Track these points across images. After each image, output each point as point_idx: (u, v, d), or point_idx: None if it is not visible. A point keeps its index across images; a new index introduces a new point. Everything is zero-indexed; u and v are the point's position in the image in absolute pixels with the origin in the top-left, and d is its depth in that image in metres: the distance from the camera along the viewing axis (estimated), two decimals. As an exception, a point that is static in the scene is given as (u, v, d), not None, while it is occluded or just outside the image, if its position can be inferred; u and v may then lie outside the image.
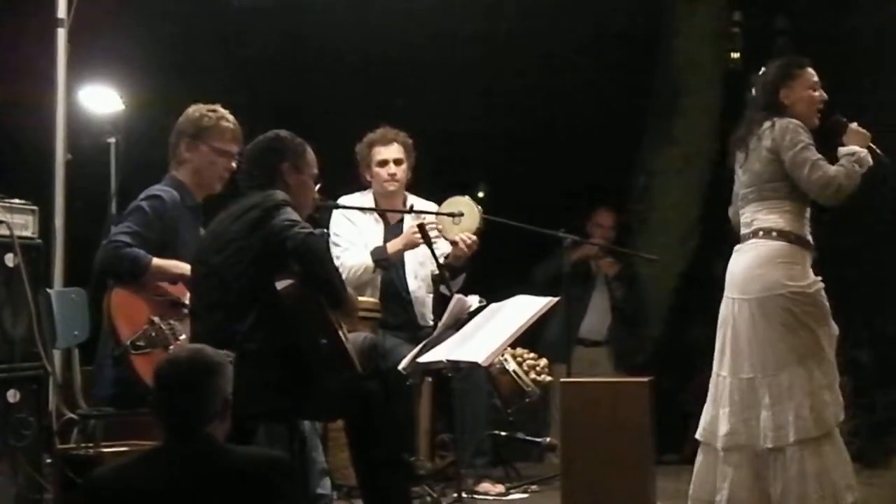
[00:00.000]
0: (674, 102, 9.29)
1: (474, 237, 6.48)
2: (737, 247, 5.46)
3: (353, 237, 6.59)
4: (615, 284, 8.30)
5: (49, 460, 5.43)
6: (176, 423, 3.90)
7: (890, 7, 8.31)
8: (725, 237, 9.79)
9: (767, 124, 5.38)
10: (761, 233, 5.37)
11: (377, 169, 6.65)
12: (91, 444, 5.51)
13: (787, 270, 5.29)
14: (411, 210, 6.61)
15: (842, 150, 5.41)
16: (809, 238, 5.38)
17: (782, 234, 5.33)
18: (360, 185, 6.76)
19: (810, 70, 5.49)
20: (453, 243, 6.47)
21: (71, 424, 5.66)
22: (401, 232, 6.65)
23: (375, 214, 6.69)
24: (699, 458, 5.45)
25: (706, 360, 9.68)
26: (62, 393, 5.76)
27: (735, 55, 9.75)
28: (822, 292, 5.33)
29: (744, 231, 5.45)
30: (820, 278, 5.34)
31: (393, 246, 6.53)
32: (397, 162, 6.63)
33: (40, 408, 5.45)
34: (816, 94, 5.47)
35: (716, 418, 5.37)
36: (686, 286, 9.46)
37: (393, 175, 6.62)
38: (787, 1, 9.70)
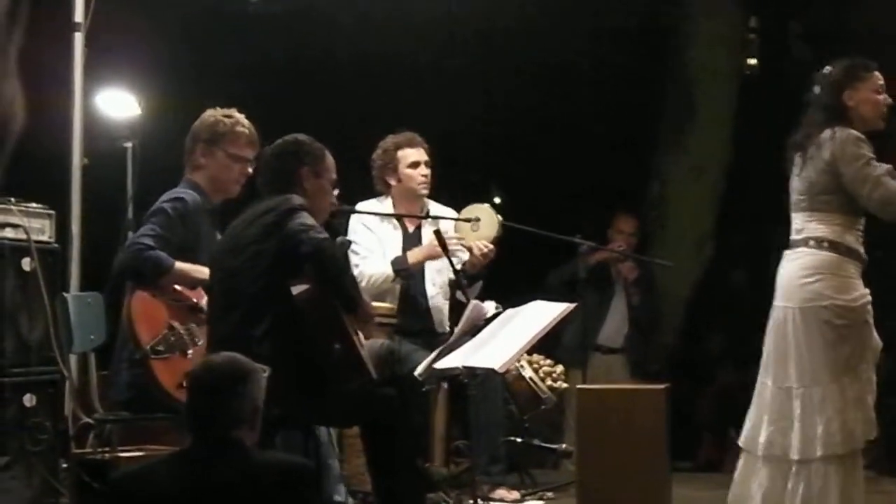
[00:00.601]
0: (688, 109, 9.27)
1: (490, 245, 6.45)
2: (785, 253, 5.35)
3: (371, 245, 6.54)
4: (633, 290, 8.27)
5: (65, 465, 5.44)
6: (205, 426, 3.94)
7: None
8: (741, 246, 9.84)
9: (828, 133, 5.25)
10: (812, 242, 5.25)
11: (409, 171, 6.58)
12: (107, 449, 5.50)
13: (832, 282, 5.20)
14: (428, 215, 6.58)
15: None
16: (860, 250, 5.28)
17: (833, 246, 5.22)
18: (373, 193, 6.71)
19: (877, 73, 5.36)
20: (469, 250, 6.44)
21: (87, 429, 5.66)
22: (419, 238, 6.62)
23: (394, 221, 6.65)
24: (740, 463, 5.40)
25: (721, 368, 9.73)
26: (78, 397, 5.76)
27: (751, 61, 9.74)
28: (869, 307, 5.24)
29: (793, 237, 5.33)
30: (868, 292, 5.25)
31: (414, 256, 6.48)
32: (427, 164, 6.61)
33: (56, 412, 5.47)
34: (882, 97, 5.35)
35: (757, 426, 5.32)
36: (701, 295, 9.45)
37: (426, 176, 6.59)
38: (803, 6, 9.68)
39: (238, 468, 3.90)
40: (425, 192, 6.61)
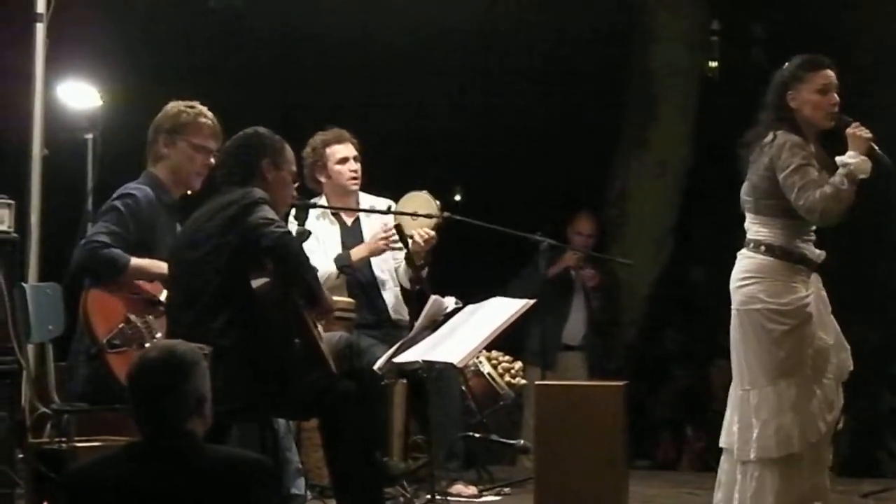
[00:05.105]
0: (650, 109, 9.33)
1: (432, 232, 6.44)
2: (738, 253, 5.34)
3: (310, 245, 6.51)
4: (595, 295, 8.27)
5: (21, 455, 5.41)
6: (152, 424, 3.86)
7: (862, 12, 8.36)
8: (700, 245, 9.90)
9: (769, 137, 5.18)
10: (752, 245, 5.23)
11: (337, 167, 6.56)
12: (64, 440, 5.48)
13: (766, 286, 5.17)
14: (388, 210, 6.57)
15: (838, 160, 5.20)
16: (805, 253, 5.22)
17: (769, 249, 5.19)
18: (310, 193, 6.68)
19: (824, 72, 5.24)
20: (411, 238, 6.41)
21: (44, 419, 5.64)
22: (358, 231, 6.61)
23: (331, 217, 6.64)
24: (721, 464, 5.37)
25: (679, 367, 9.78)
26: (35, 388, 5.74)
27: (712, 63, 9.81)
28: (807, 310, 5.16)
29: (747, 237, 5.34)
30: (805, 295, 5.19)
31: (357, 253, 6.47)
32: (356, 159, 6.61)
33: (13, 402, 5.43)
34: (826, 97, 5.22)
35: (730, 426, 5.29)
36: (660, 292, 9.50)
37: (355, 171, 6.58)
38: (765, 10, 9.76)
39: (188, 462, 3.82)
40: (355, 187, 6.58)
